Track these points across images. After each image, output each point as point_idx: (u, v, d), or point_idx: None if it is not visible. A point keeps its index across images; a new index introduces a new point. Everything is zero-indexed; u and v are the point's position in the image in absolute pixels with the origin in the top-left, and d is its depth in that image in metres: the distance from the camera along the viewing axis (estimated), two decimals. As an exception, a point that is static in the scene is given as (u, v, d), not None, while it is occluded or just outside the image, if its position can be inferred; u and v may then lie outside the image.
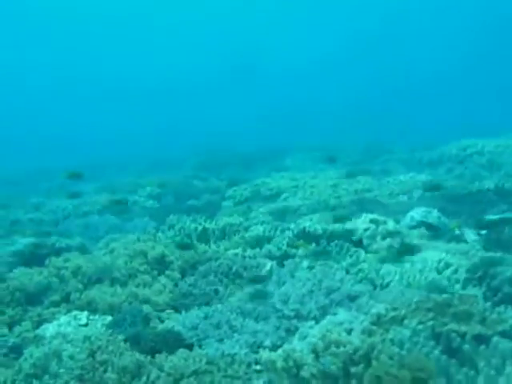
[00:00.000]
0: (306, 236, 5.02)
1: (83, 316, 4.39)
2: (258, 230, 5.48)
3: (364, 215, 5.25)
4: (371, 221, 4.98)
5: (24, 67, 54.60)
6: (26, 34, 50.60)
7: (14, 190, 15.92)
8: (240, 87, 53.13)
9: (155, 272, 4.95)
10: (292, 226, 5.35)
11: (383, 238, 4.69)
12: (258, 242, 5.30)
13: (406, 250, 4.48)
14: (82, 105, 53.29)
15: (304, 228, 5.10)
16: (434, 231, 5.30)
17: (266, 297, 4.01)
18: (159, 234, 6.24)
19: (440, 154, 12.38)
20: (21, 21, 48.96)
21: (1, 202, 12.06)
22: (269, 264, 4.55)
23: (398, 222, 5.56)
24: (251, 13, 54.11)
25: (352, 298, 3.52)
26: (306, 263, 4.44)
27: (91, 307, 4.52)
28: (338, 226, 5.03)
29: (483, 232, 5.13)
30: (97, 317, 4.37)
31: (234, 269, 4.58)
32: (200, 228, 5.90)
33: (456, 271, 3.88)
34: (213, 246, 5.43)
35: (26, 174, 22.21)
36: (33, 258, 6.04)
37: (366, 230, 4.78)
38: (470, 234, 5.14)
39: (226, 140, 27.64)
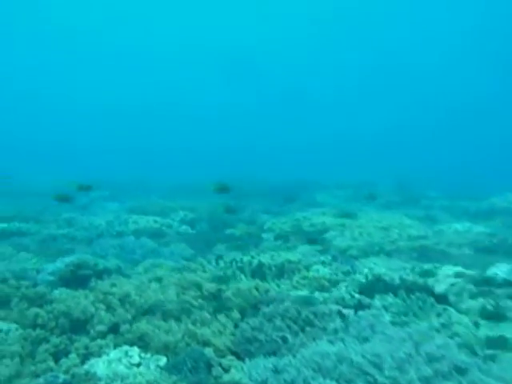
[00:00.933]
0: (380, 284, 4.52)
1: (135, 353, 3.93)
2: (322, 270, 5.01)
3: (447, 267, 4.73)
4: (457, 274, 4.45)
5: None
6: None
7: (42, 203, 15.78)
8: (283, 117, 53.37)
9: (210, 308, 4.50)
10: (365, 270, 4.85)
11: (472, 297, 4.17)
12: (322, 284, 4.82)
13: (500, 315, 3.94)
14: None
15: (379, 275, 4.61)
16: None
17: (345, 353, 3.50)
18: (209, 266, 5.81)
19: (490, 206, 11.83)
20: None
21: (33, 216, 11.84)
22: (345, 312, 4.05)
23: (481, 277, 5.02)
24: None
25: (461, 371, 2.99)
26: (387, 317, 3.94)
27: (142, 342, 4.07)
28: (418, 277, 4.52)
29: None
30: (149, 355, 3.90)
31: (303, 315, 4.09)
32: (255, 262, 5.45)
33: None
34: (272, 285, 4.96)
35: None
36: (74, 278, 5.65)
37: (453, 284, 4.26)
38: None
39: (251, 169, 27.47)
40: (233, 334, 4.05)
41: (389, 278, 4.53)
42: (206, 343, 3.86)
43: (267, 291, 4.51)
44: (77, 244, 9.03)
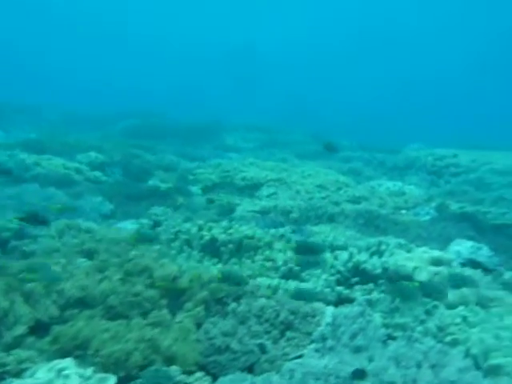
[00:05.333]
0: (361, 275, 4.05)
1: (71, 370, 3.03)
2: (285, 248, 4.40)
3: (421, 249, 4.39)
4: (434, 261, 4.13)
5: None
6: None
7: None
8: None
9: (163, 301, 3.67)
10: (344, 255, 4.31)
11: (455, 286, 3.89)
12: (292, 271, 4.23)
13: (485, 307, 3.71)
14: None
15: (358, 263, 4.11)
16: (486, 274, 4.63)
17: (342, 372, 2.99)
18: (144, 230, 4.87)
19: (407, 160, 12.03)
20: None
21: None
22: (329, 312, 3.52)
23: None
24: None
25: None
26: (379, 319, 3.48)
27: (80, 350, 3.17)
28: (394, 263, 4.11)
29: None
30: (89, 372, 3.03)
31: (281, 316, 3.47)
32: (207, 237, 4.65)
33: None
34: (234, 268, 4.24)
35: None
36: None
37: (436, 273, 3.92)
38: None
39: (159, 106, 25.61)
40: (198, 340, 3.31)
41: (370, 266, 4.06)
42: (172, 358, 3.08)
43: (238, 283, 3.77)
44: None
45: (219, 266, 4.36)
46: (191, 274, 3.83)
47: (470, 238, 5.39)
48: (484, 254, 4.75)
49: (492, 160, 10.01)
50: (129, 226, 5.92)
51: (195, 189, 8.55)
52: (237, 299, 3.64)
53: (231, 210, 7.04)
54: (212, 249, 4.59)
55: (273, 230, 5.04)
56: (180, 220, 5.54)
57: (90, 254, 4.45)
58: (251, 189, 8.52)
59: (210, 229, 4.74)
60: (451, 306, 3.67)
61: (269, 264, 4.28)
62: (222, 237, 4.61)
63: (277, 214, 6.90)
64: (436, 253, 4.27)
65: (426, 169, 10.66)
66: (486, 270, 4.58)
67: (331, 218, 6.78)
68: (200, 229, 4.79)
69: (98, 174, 9.29)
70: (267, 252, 4.44)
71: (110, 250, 4.40)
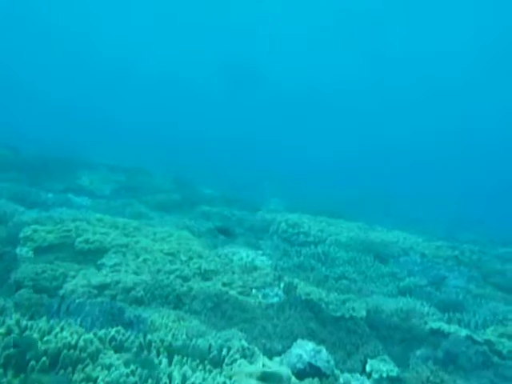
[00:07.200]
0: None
1: None
2: (117, 366, 3.76)
3: (260, 362, 4.12)
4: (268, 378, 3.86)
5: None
6: None
7: None
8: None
9: None
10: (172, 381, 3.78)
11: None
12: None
13: None
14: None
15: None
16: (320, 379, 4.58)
17: None
18: None
19: (264, 222, 12.25)
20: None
21: None
22: None
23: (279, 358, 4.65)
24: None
25: None
26: None
27: None
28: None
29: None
30: None
31: None
32: (14, 350, 3.78)
33: None
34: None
35: None
36: None
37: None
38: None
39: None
40: None
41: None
42: None
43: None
44: None
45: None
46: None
47: (311, 332, 5.39)
48: (323, 358, 4.71)
49: (338, 231, 10.67)
50: None
51: (25, 250, 7.37)
52: None
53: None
54: (17, 364, 3.72)
55: (103, 331, 4.36)
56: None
57: None
58: (94, 254, 7.65)
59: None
60: None
61: (88, 387, 3.58)
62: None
63: (117, 293, 6.21)
64: (274, 367, 4.07)
65: (279, 235, 10.92)
66: (323, 376, 4.53)
67: (178, 299, 6.32)
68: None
69: None
70: (89, 368, 3.75)
71: None
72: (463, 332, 6.44)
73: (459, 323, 7.12)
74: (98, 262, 7.30)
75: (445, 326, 6.60)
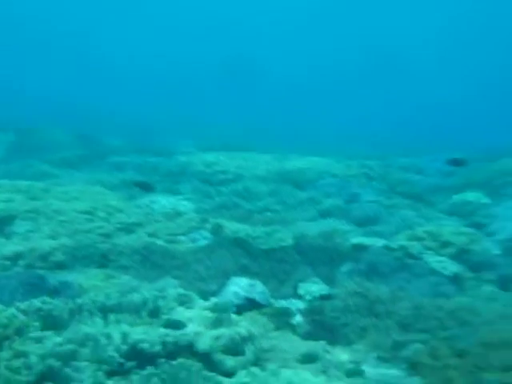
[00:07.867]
0: (138, 358, 3.53)
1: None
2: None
3: (200, 302, 4.15)
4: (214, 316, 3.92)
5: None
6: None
7: None
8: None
9: None
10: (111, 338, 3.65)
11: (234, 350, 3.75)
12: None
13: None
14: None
15: (135, 343, 3.56)
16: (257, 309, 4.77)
17: None
18: None
19: (180, 166, 11.95)
20: None
21: None
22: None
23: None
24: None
25: None
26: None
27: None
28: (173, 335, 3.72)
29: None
30: None
31: None
32: None
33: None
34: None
35: None
36: None
37: (217, 338, 3.70)
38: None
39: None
40: None
41: (147, 344, 3.57)
42: None
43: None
44: None
45: None
46: None
47: (243, 268, 5.53)
48: (258, 290, 4.87)
49: (254, 165, 10.75)
50: None
51: None
52: None
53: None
54: None
55: (26, 304, 4.07)
56: None
57: None
58: (0, 223, 7.02)
59: None
60: (230, 373, 3.55)
61: (18, 363, 3.37)
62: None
63: (35, 261, 5.81)
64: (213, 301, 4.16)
65: (197, 177, 10.77)
66: (261, 307, 4.70)
67: (104, 257, 6.07)
68: None
69: None
70: (17, 343, 3.51)
71: None
72: (380, 242, 6.99)
73: (376, 235, 7.70)
74: (6, 232, 6.74)
75: (364, 240, 7.11)
